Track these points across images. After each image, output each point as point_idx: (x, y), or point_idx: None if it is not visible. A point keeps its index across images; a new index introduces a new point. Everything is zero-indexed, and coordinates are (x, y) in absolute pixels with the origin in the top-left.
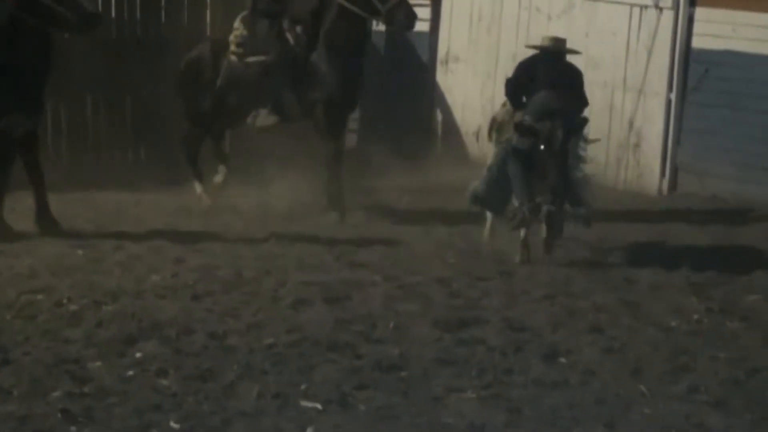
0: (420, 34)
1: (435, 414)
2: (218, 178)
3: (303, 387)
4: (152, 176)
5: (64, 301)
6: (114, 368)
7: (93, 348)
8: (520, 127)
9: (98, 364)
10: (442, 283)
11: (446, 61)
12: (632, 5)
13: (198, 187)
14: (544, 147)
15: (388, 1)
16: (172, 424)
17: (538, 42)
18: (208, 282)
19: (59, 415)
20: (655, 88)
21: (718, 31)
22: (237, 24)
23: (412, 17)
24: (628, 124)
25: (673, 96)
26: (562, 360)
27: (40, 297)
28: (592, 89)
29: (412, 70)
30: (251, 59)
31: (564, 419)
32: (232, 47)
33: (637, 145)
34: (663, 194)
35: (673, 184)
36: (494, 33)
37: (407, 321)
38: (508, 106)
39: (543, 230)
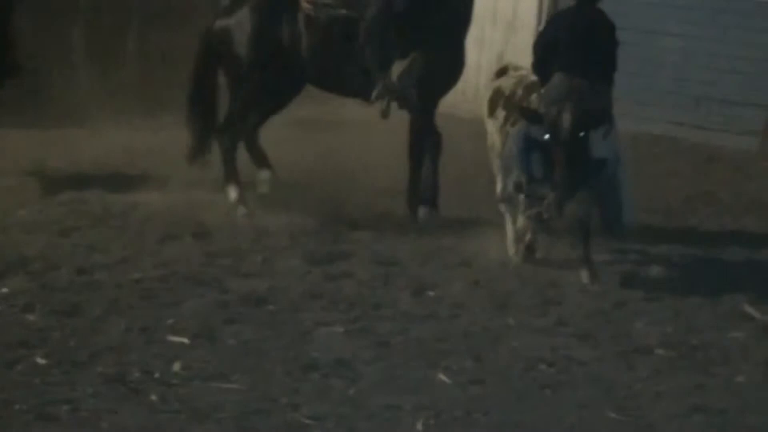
0: None
1: (303, 348)
2: (263, 187)
3: (170, 321)
4: (15, 112)
5: None
6: None
7: None
8: (524, 112)
9: None
10: (311, 217)
11: None
12: None
13: (233, 192)
14: (549, 136)
15: None
16: (39, 360)
17: None
18: (75, 217)
19: None
20: (525, 21)
21: None
22: None
23: None
24: (497, 58)
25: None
26: (430, 293)
27: None
28: None
29: None
30: (337, 12)
31: (432, 352)
32: None
33: None
34: None
35: None
36: None
37: (275, 255)
38: (519, 72)
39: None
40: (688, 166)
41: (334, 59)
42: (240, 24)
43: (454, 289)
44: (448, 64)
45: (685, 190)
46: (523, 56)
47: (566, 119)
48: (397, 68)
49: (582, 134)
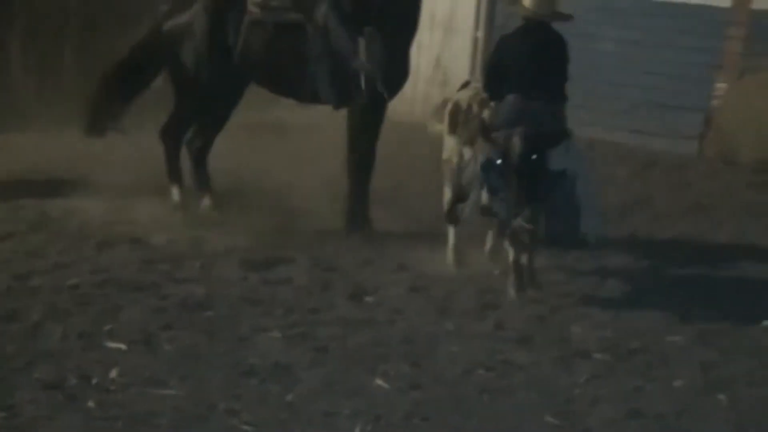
0: None
1: (241, 353)
2: (205, 213)
3: (108, 327)
4: None
5: None
6: None
7: None
8: (485, 132)
9: None
10: (248, 222)
11: None
12: None
13: (175, 193)
14: (501, 161)
15: None
16: None
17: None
18: (13, 222)
19: None
20: (462, 25)
21: None
22: None
23: None
24: (436, 61)
25: (480, 34)
26: (369, 299)
27: None
28: None
29: None
30: (285, 16)
31: (370, 357)
32: None
33: (444, 83)
34: None
35: None
36: None
37: (213, 260)
38: (473, 85)
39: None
40: (625, 171)
41: (282, 63)
42: (188, 27)
43: (392, 294)
44: (397, 66)
45: (622, 196)
46: (459, 60)
47: (516, 143)
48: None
49: (534, 157)
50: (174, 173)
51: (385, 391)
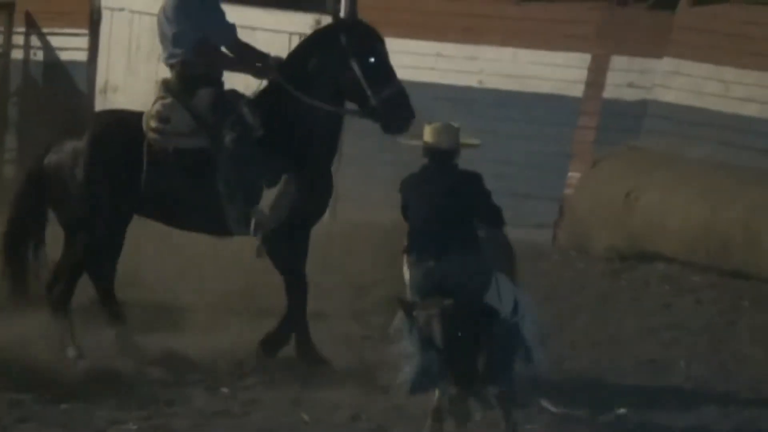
0: (77, 63)
1: None
2: (120, 347)
3: None
4: None
5: None
6: None
7: None
8: (404, 306)
9: None
10: (100, 313)
11: (105, 91)
12: (291, 33)
13: (72, 350)
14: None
15: (384, 89)
16: None
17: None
18: None
19: None
20: None
21: None
22: (161, 91)
23: (410, 116)
24: None
25: None
26: (224, 390)
27: None
28: None
29: (70, 99)
30: (187, 142)
31: None
32: (153, 123)
33: None
34: (323, 222)
35: (333, 212)
36: (153, 62)
37: None
38: None
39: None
40: None
41: (184, 193)
42: (75, 160)
43: (247, 386)
44: (317, 191)
45: None
46: None
47: (436, 328)
48: (268, 198)
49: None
50: (65, 331)
51: None
